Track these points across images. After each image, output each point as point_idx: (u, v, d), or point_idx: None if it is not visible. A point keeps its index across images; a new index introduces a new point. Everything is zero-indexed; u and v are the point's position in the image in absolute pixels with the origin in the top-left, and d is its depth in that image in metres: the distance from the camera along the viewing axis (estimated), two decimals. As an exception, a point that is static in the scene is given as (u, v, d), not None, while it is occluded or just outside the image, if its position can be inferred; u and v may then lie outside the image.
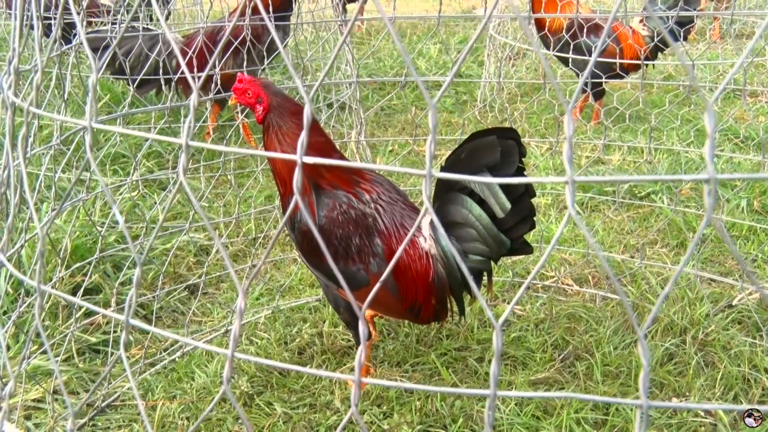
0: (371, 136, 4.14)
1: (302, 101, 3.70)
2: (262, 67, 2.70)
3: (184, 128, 0.77)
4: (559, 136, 3.55)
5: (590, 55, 3.76)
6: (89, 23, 4.13)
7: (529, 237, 2.84)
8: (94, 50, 3.29)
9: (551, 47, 4.11)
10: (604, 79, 4.12)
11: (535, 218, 1.83)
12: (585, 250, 2.61)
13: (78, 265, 2.43)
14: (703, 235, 2.99)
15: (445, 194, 1.88)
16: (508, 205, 1.76)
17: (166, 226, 2.96)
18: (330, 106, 4.18)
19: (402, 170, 0.71)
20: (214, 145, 0.73)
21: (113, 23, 3.49)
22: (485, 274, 1.93)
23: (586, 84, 4.16)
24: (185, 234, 2.40)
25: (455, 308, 1.99)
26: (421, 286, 1.91)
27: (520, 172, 1.76)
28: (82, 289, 2.25)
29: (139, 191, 3.03)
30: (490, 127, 1.83)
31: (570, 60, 4.12)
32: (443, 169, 1.83)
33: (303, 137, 0.72)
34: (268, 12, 3.35)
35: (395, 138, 4.07)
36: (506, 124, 4.10)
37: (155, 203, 3.04)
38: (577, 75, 4.36)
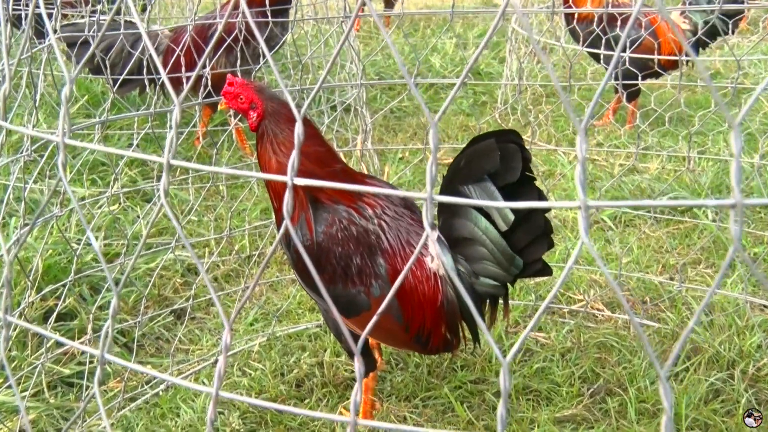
0: (379, 142, 4.17)
1: (301, 104, 3.74)
2: (258, 67, 2.73)
3: (166, 144, 0.80)
4: (584, 142, 3.55)
5: (625, 51, 3.78)
6: (64, 15, 4.19)
7: (554, 256, 2.87)
8: (70, 46, 3.34)
9: (581, 41, 4.13)
10: (639, 79, 4.14)
11: (552, 236, 1.85)
12: (617, 271, 2.61)
13: (51, 287, 2.46)
14: (754, 254, 2.99)
15: (450, 206, 1.91)
16: (511, 217, 1.77)
17: (150, 243, 2.99)
18: (333, 108, 4.22)
19: (401, 194, 0.73)
20: (200, 165, 0.75)
21: (92, 15, 3.54)
22: (501, 297, 1.94)
23: (620, 82, 4.18)
24: (171, 252, 2.43)
25: (469, 335, 2.00)
26: (429, 311, 1.92)
27: (527, 179, 1.76)
28: (54, 315, 2.28)
29: (120, 204, 3.06)
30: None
31: (602, 57, 4.14)
32: (444, 179, 1.87)
33: (294, 157, 0.74)
34: (264, 5, 3.40)
35: (406, 145, 4.09)
36: (530, 129, 4.12)
37: (138, 217, 3.07)
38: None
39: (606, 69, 4.43)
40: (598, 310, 2.65)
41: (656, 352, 2.38)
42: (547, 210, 1.83)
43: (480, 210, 1.83)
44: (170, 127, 0.76)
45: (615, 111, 4.54)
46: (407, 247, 1.91)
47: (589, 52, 4.21)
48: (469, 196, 1.80)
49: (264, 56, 3.41)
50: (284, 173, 1.84)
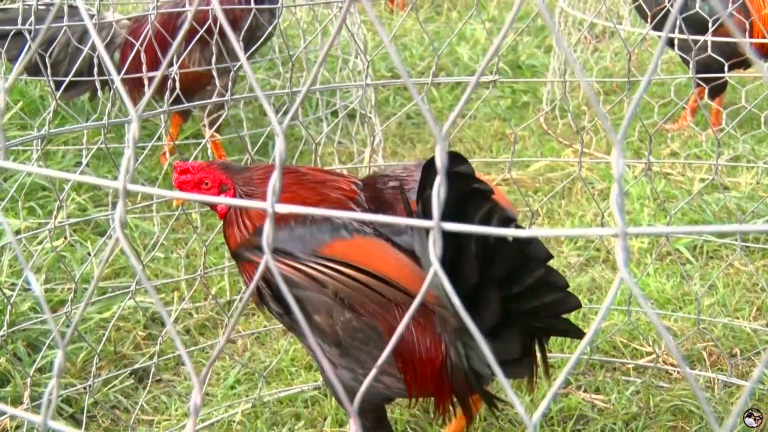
0: (392, 156, 4.24)
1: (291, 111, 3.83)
2: (238, 65, 2.80)
3: (122, 165, 0.85)
4: (651, 150, 3.60)
5: (706, 32, 3.82)
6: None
7: (617, 298, 2.90)
8: (1, 38, 3.44)
9: (648, 20, 4.17)
10: (726, 69, 4.17)
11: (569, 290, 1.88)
12: (696, 316, 2.64)
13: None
14: None
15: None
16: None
17: (103, 287, 3.06)
18: (335, 114, 4.29)
19: (404, 221, 0.78)
20: (166, 191, 0.81)
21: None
22: (537, 346, 1.98)
23: (699, 76, 4.22)
24: (131, 298, 2.48)
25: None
26: (429, 373, 1.95)
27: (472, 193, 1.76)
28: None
29: (66, 239, 3.13)
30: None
31: (676, 42, 4.18)
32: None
33: (275, 178, 0.79)
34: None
35: (425, 158, 4.14)
36: (584, 135, 4.17)
37: (89, 255, 3.13)
38: (686, 63, 4.43)
39: (681, 57, 4.48)
40: (671, 365, 2.68)
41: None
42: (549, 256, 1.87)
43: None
44: (127, 145, 0.81)
45: (694, 111, 4.58)
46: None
47: (659, 36, 4.25)
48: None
49: (246, 51, 3.49)
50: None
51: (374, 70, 5.08)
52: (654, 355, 2.67)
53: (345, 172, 3.75)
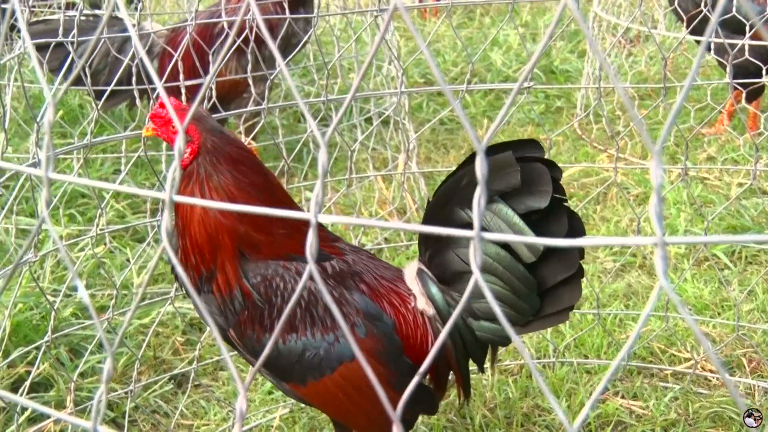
0: (426, 162, 4.25)
1: (328, 118, 3.82)
2: (275, 73, 2.83)
3: (168, 175, 0.87)
4: (688, 155, 3.58)
5: (744, 35, 3.79)
6: (31, 11, 4.36)
7: (655, 305, 2.88)
8: (39, 49, 3.49)
9: (685, 23, 4.14)
10: (764, 73, 4.14)
11: (582, 280, 1.92)
12: (735, 322, 2.62)
13: (21, 351, 2.56)
14: None
15: (435, 237, 1.97)
16: (541, 246, 1.84)
17: (143, 294, 3.09)
18: (369, 121, 4.31)
19: (445, 232, 0.79)
20: (207, 201, 0.83)
21: (67, 8, 3.68)
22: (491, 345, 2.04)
23: (737, 78, 4.19)
24: (170, 304, 2.52)
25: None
26: (421, 359, 1.98)
27: (555, 202, 1.84)
28: (27, 385, 2.37)
29: (106, 245, 3.18)
30: (521, 141, 1.96)
31: (712, 45, 4.15)
32: (435, 200, 1.98)
33: (318, 188, 0.80)
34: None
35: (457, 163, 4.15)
36: (619, 140, 4.15)
37: (128, 261, 3.18)
38: (723, 66, 4.39)
39: (717, 60, 4.44)
40: (711, 372, 2.66)
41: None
42: (578, 233, 1.89)
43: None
44: (176, 155, 0.84)
45: (731, 115, 4.54)
46: (381, 280, 2.00)
47: (696, 40, 4.22)
48: (469, 222, 1.87)
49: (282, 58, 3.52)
50: (205, 225, 1.87)
51: (407, 76, 5.09)
52: (692, 362, 2.66)
53: (380, 179, 3.77)
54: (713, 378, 2.64)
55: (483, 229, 1.78)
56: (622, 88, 0.79)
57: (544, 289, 1.91)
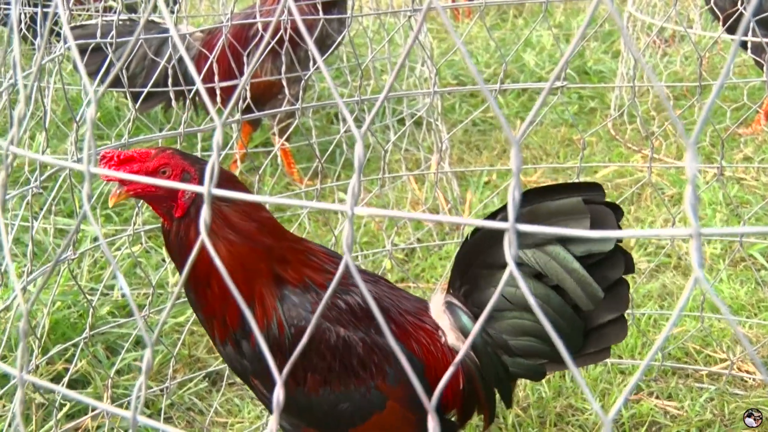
0: (459, 163, 4.25)
1: (361, 119, 3.85)
2: (309, 73, 2.85)
3: (206, 171, 0.89)
4: (724, 155, 3.56)
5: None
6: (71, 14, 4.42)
7: (688, 304, 2.87)
8: (80, 53, 3.54)
9: (721, 22, 4.11)
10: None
11: (626, 315, 1.90)
12: (771, 323, 2.60)
13: (59, 348, 2.60)
14: None
15: (476, 273, 1.94)
16: (601, 294, 1.82)
17: (179, 292, 3.13)
18: (401, 122, 4.32)
19: (480, 223, 0.80)
20: (246, 195, 0.84)
21: (104, 12, 3.73)
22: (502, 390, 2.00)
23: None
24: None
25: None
26: (450, 396, 1.96)
27: (617, 246, 1.82)
28: (65, 381, 2.41)
29: (142, 245, 3.21)
30: (564, 182, 1.92)
31: (749, 44, 4.12)
32: (478, 239, 1.93)
33: (354, 181, 0.82)
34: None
35: (492, 165, 4.15)
36: (654, 140, 4.13)
37: (164, 261, 3.21)
38: (759, 65, 4.36)
39: (754, 60, 4.41)
40: (747, 372, 2.64)
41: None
42: (632, 270, 1.87)
43: (538, 274, 1.86)
44: (215, 149, 0.85)
45: None
46: (407, 315, 1.94)
47: (733, 39, 4.19)
48: (523, 263, 1.85)
49: (315, 60, 3.54)
50: (237, 264, 1.75)
51: (441, 77, 5.10)
52: (728, 362, 2.64)
53: (413, 178, 3.78)
54: (749, 378, 2.62)
55: (540, 274, 1.81)
56: (660, 85, 0.79)
57: (589, 328, 1.89)
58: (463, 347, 1.94)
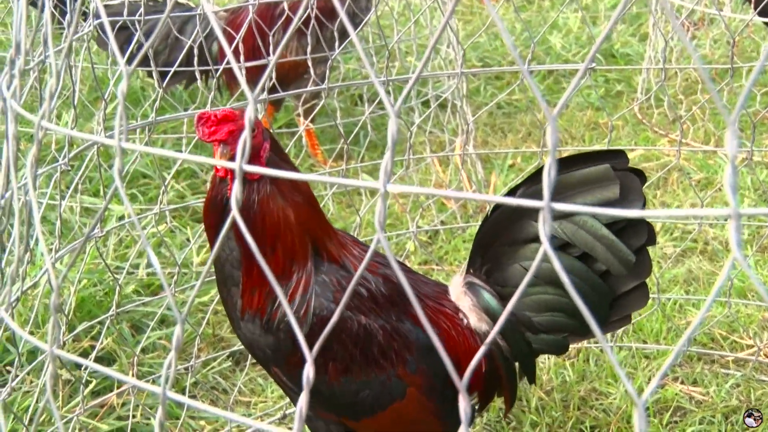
0: (483, 145, 4.23)
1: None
2: (335, 54, 2.84)
3: (238, 147, 0.89)
4: (754, 139, 3.52)
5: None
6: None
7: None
8: (104, 32, 3.55)
9: (753, 4, 4.06)
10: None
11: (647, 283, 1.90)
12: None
13: (85, 325, 2.62)
14: None
15: (498, 251, 1.93)
16: (632, 258, 1.82)
17: (202, 272, 3.14)
18: (426, 104, 4.31)
19: (515, 202, 0.79)
20: (279, 171, 0.84)
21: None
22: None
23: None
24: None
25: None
26: (473, 381, 1.95)
27: (642, 220, 1.83)
28: (92, 357, 2.43)
29: (167, 224, 3.23)
30: (591, 149, 1.92)
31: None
32: (503, 213, 1.92)
33: (387, 159, 0.81)
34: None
35: (517, 148, 4.13)
36: (680, 124, 4.09)
37: (188, 241, 3.22)
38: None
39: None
40: (774, 359, 2.63)
41: None
42: (654, 242, 1.87)
43: (564, 245, 1.86)
44: (247, 125, 0.85)
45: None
46: (426, 300, 1.93)
47: (765, 22, 4.13)
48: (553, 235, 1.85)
49: (342, 40, 3.52)
50: (288, 225, 1.76)
51: (466, 59, 5.07)
52: (755, 348, 2.62)
53: (438, 163, 3.77)
54: (776, 366, 2.60)
55: (564, 244, 1.80)
56: (699, 61, 0.78)
57: (613, 297, 1.89)
58: (492, 332, 1.93)
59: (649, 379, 2.52)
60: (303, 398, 0.86)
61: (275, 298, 1.77)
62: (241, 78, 0.92)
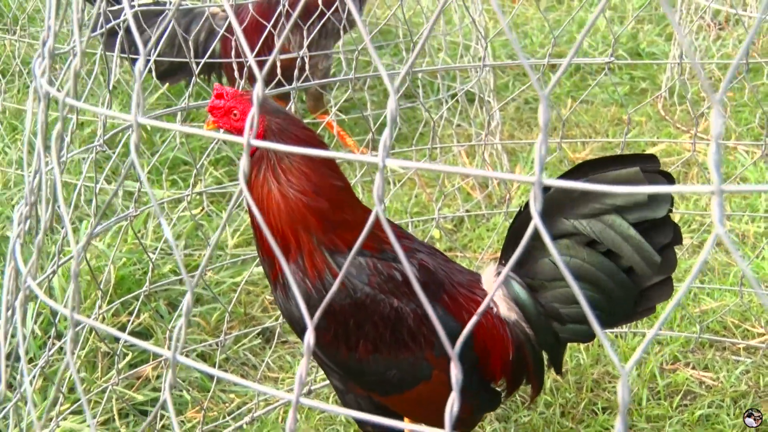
0: (509, 138, 4.21)
1: (413, 94, 3.83)
2: (337, 51, 2.81)
3: (246, 123, 0.89)
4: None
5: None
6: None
7: (727, 280, 2.82)
8: (113, 35, 3.55)
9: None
10: None
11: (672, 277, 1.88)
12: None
13: (122, 299, 2.64)
14: None
15: (531, 244, 1.89)
16: (657, 259, 1.81)
17: (236, 254, 3.16)
18: (454, 97, 4.29)
19: (505, 176, 0.78)
20: (293, 147, 0.84)
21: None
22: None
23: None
24: (259, 264, 2.56)
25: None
26: (500, 366, 1.94)
27: (669, 219, 1.81)
28: (128, 332, 2.45)
29: (204, 209, 3.24)
30: (617, 153, 1.90)
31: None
32: (526, 209, 1.91)
33: (386, 135, 0.81)
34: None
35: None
36: (703, 121, 4.04)
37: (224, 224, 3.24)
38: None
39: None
40: (784, 346, 2.59)
41: None
42: (680, 241, 1.85)
43: (591, 242, 1.84)
44: (255, 102, 0.84)
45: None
46: (459, 288, 1.92)
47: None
48: (578, 233, 1.83)
49: (344, 32, 3.45)
50: (287, 209, 1.75)
51: (495, 56, 5.04)
52: (766, 336, 2.59)
53: (463, 159, 3.75)
54: (786, 354, 2.57)
55: (592, 241, 1.78)
56: (699, 65, 0.77)
57: (639, 290, 1.88)
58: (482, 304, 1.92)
59: (661, 364, 2.49)
60: (303, 363, 0.86)
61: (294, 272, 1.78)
62: (256, 68, 0.91)
